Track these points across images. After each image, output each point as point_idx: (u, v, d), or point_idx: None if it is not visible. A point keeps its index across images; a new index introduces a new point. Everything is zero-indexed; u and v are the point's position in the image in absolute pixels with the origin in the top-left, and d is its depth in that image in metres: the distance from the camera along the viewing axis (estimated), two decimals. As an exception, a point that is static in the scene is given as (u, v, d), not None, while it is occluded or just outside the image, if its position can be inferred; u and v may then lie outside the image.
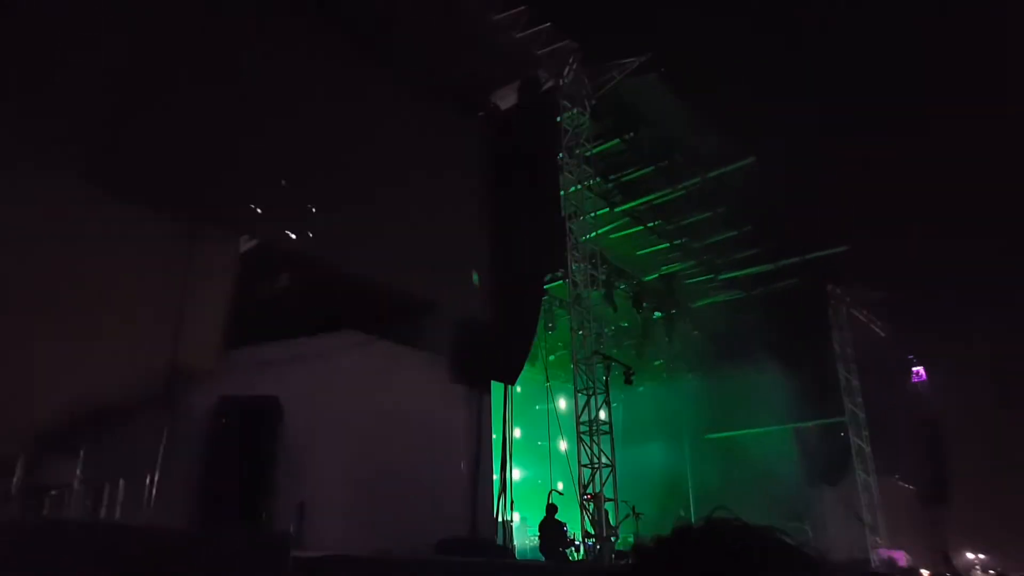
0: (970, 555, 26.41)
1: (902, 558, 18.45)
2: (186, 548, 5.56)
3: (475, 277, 11.99)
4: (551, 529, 11.79)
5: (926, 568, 19.51)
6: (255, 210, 9.43)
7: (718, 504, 0.99)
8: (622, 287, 18.58)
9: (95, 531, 5.68)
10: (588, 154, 13.25)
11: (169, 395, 7.91)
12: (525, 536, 14.63)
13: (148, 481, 7.44)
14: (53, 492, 6.62)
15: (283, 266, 10.13)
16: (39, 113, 7.26)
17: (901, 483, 22.90)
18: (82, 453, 6.96)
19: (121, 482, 7.19)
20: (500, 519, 11.23)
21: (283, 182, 9.62)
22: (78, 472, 6.86)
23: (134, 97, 8.00)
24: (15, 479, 6.48)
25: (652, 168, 15.65)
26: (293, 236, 9.67)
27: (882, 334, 23.42)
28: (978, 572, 23.67)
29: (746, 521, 0.96)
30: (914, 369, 26.13)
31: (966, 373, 25.20)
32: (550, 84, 13.06)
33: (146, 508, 7.32)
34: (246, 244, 9.64)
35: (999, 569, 24.22)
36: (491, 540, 10.73)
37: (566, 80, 13.00)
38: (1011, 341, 25.56)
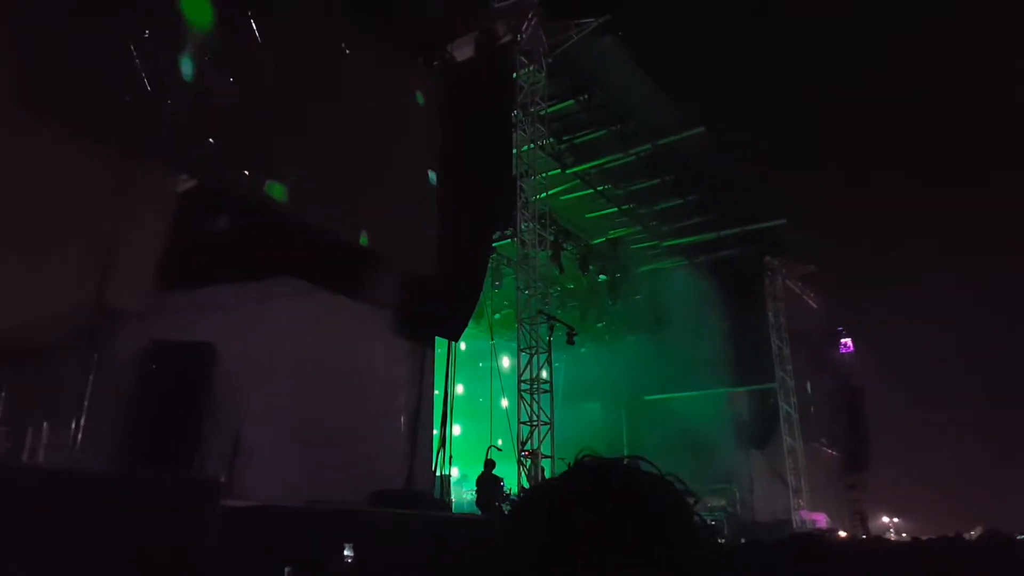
0: (885, 518, 28.09)
1: (822, 519, 19.49)
2: (112, 492, 5.40)
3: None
4: (488, 484, 11.96)
5: (844, 530, 20.66)
6: (196, 148, 9.01)
7: (585, 448, 0.98)
8: (569, 248, 18.69)
9: (17, 474, 5.45)
10: (542, 113, 13.13)
11: (96, 335, 7.58)
12: (463, 491, 14.82)
13: (73, 425, 7.17)
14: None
15: (224, 208, 9.75)
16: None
17: (825, 449, 24.07)
18: (2, 394, 6.64)
19: (45, 425, 6.91)
20: (439, 473, 11.32)
21: (226, 122, 9.20)
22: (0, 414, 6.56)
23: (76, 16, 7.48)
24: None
25: (605, 132, 15.67)
26: (246, 172, 9.28)
27: (814, 306, 24.34)
28: (891, 535, 25.21)
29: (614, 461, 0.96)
30: (842, 340, 27.28)
31: (890, 346, 26.50)
32: (507, 39, 12.81)
33: (71, 452, 7.07)
34: (185, 183, 9.23)
35: (910, 532, 25.84)
36: (427, 493, 10.80)
37: (524, 36, 12.77)
38: (933, 316, 26.94)
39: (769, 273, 20.72)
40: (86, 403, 7.24)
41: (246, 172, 9.45)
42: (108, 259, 7.61)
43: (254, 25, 9.59)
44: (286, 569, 6.50)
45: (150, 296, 8.13)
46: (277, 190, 9.75)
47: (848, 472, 25.16)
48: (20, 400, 6.70)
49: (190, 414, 8.04)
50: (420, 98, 12.29)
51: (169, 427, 7.79)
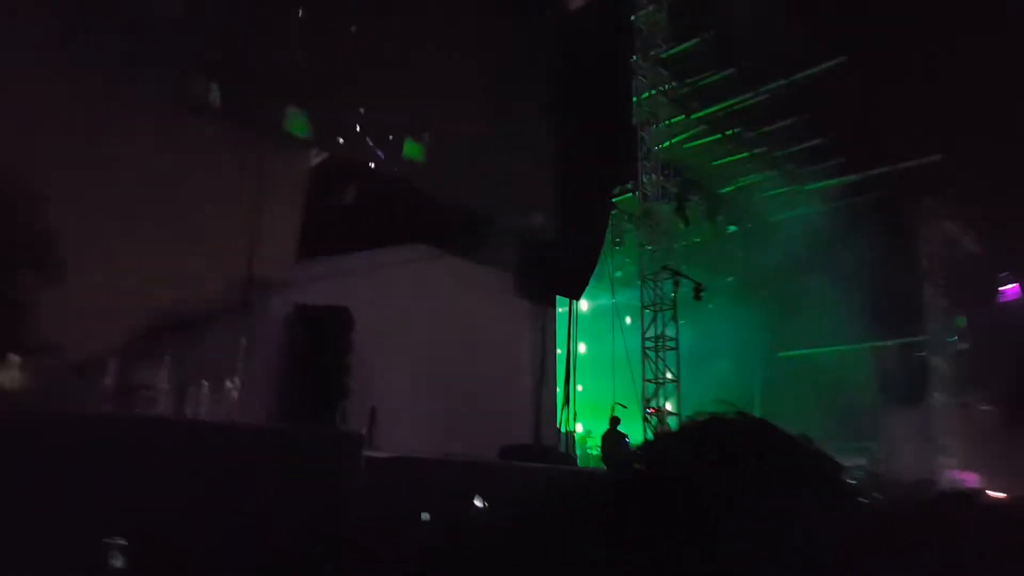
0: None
1: (973, 479, 18.06)
2: (266, 443, 5.93)
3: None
4: (613, 440, 12.01)
5: (998, 491, 19.05)
6: (326, 123, 9.43)
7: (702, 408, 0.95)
8: (695, 200, 17.91)
9: (181, 427, 6.13)
10: (663, 56, 12.45)
11: (246, 304, 8.29)
12: (587, 447, 14.98)
13: (229, 384, 7.93)
14: (143, 392, 7.18)
15: (353, 178, 10.21)
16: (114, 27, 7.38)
17: (983, 406, 22.11)
18: (167, 358, 7.46)
19: (204, 384, 7.70)
20: (564, 429, 11.50)
21: (351, 93, 9.52)
22: (165, 375, 7.38)
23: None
24: (107, 379, 7.02)
25: (732, 71, 14.61)
26: (380, 154, 9.64)
27: (975, 249, 22.02)
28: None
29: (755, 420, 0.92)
30: (1007, 287, 24.60)
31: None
32: (625, -21, 12.24)
33: (227, 409, 7.83)
34: (315, 157, 9.73)
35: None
36: (553, 448, 11.03)
37: (643, -26, 12.15)
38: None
39: (921, 215, 18.91)
40: (240, 365, 7.98)
41: (390, 136, 9.71)
42: (254, 234, 8.26)
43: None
44: (423, 515, 6.84)
45: (294, 265, 8.77)
46: (415, 150, 10.00)
47: (1008, 431, 23.00)
48: (183, 363, 7.52)
49: (331, 373, 8.66)
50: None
51: (313, 385, 8.45)
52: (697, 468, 0.85)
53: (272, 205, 8.49)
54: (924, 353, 18.47)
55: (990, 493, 17.92)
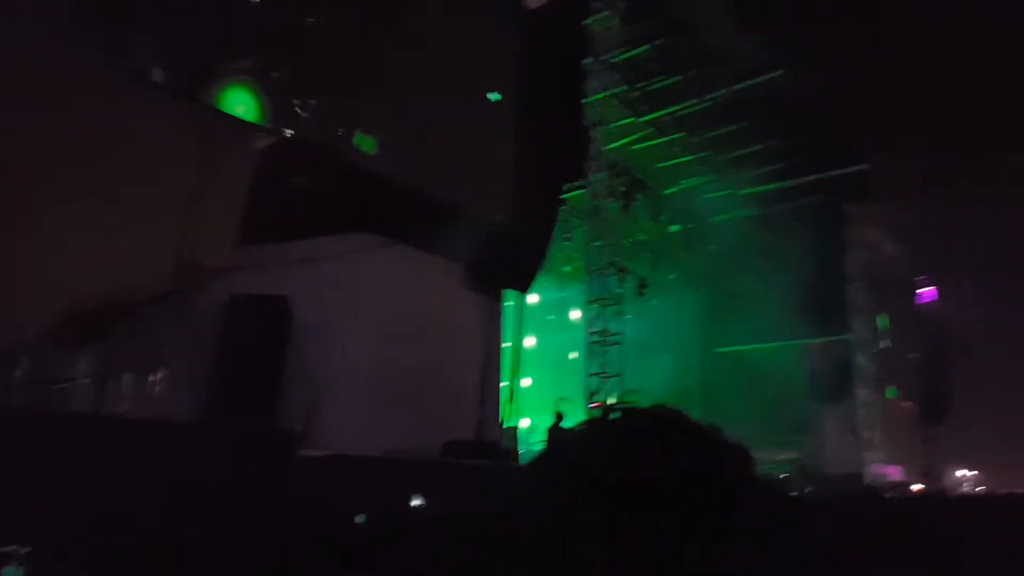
0: (961, 472, 27.14)
1: (896, 472, 18.97)
2: (189, 441, 5.55)
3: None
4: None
5: (918, 483, 20.06)
6: (274, 104, 9.02)
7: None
8: (641, 199, 18.16)
9: (99, 423, 5.69)
10: (615, 60, 12.57)
11: (179, 291, 7.82)
12: (530, 442, 14.96)
13: (154, 377, 7.48)
14: (59, 385, 6.65)
15: (301, 164, 9.82)
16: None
17: (902, 401, 23.26)
18: (88, 348, 6.94)
19: (128, 377, 7.21)
20: (508, 424, 11.42)
21: (317, 76, 9.15)
22: (83, 367, 6.86)
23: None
24: (17, 371, 6.48)
25: (680, 77, 14.93)
26: (329, 143, 9.29)
27: (895, 254, 23.14)
28: (966, 488, 24.45)
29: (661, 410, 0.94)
30: (925, 289, 25.96)
31: (976, 295, 25.02)
32: (581, -18, 12.24)
33: (152, 404, 7.39)
34: (263, 140, 9.29)
35: (988, 485, 24.94)
36: (496, 444, 10.92)
37: (598, -22, 12.16)
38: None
39: (848, 220, 19.73)
40: (167, 356, 7.52)
41: (340, 131, 9.46)
42: (191, 217, 7.79)
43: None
44: (358, 517, 6.63)
45: (231, 252, 8.32)
46: (367, 143, 9.74)
47: (927, 424, 24.30)
48: (105, 353, 7.01)
49: (268, 366, 8.28)
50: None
51: (247, 379, 8.05)
52: (601, 460, 0.86)
53: (212, 189, 8.05)
54: (848, 351, 19.25)
55: (912, 487, 18.87)
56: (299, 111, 9.03)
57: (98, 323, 7.08)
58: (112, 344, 7.16)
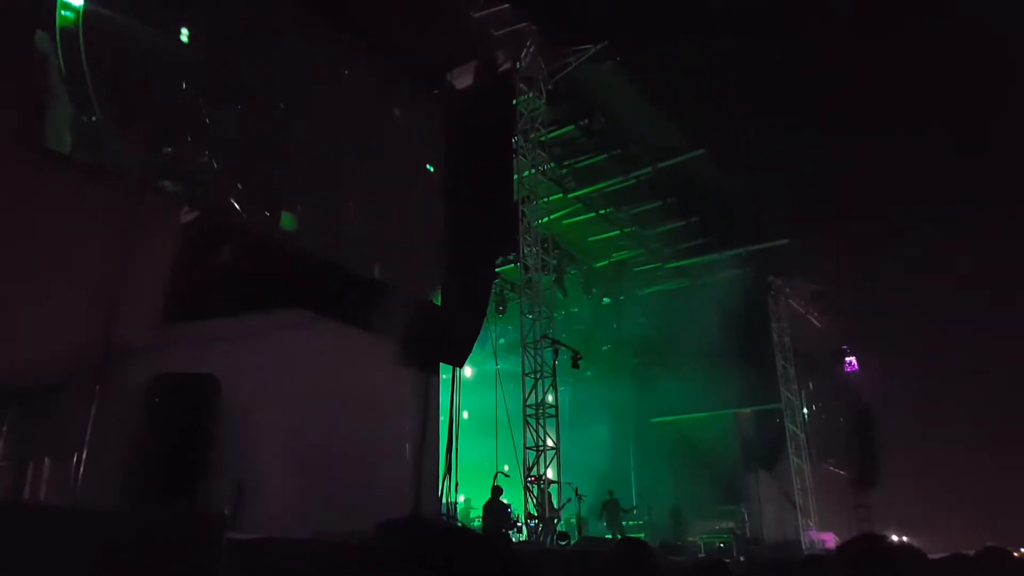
0: (894, 537, 27.72)
1: (831, 539, 19.26)
2: (114, 528, 5.33)
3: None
4: (495, 510, 11.84)
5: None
6: (199, 180, 9.06)
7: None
8: (573, 272, 18.71)
9: (17, 511, 5.39)
10: (543, 139, 13.21)
11: (101, 370, 7.55)
12: (470, 518, 14.66)
13: (76, 460, 7.12)
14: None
15: (226, 239, 9.78)
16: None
17: (833, 468, 23.85)
18: (4, 429, 6.60)
19: (47, 461, 6.86)
20: (445, 500, 11.21)
21: (235, 155, 9.28)
22: (1, 449, 6.50)
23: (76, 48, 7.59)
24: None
25: (605, 156, 15.75)
26: (236, 206, 9.35)
27: (818, 325, 24.25)
28: (900, 553, 24.85)
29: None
30: (847, 359, 27.16)
31: (896, 364, 26.35)
32: (507, 66, 12.92)
33: (73, 488, 7.00)
34: (187, 215, 9.25)
35: (920, 550, 25.46)
36: (434, 521, 10.67)
37: (523, 63, 12.89)
38: (939, 334, 26.80)
39: (772, 293, 20.69)
40: (88, 438, 7.19)
41: (267, 212, 9.55)
42: (113, 292, 7.62)
43: (253, 62, 9.70)
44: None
45: (156, 329, 8.12)
46: (287, 220, 9.83)
47: (856, 491, 24.91)
48: (22, 436, 6.66)
49: (194, 447, 7.97)
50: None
51: (173, 461, 7.71)
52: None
53: (137, 262, 7.90)
54: (779, 420, 19.78)
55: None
56: (224, 188, 9.11)
57: (14, 404, 6.76)
58: (30, 426, 6.82)
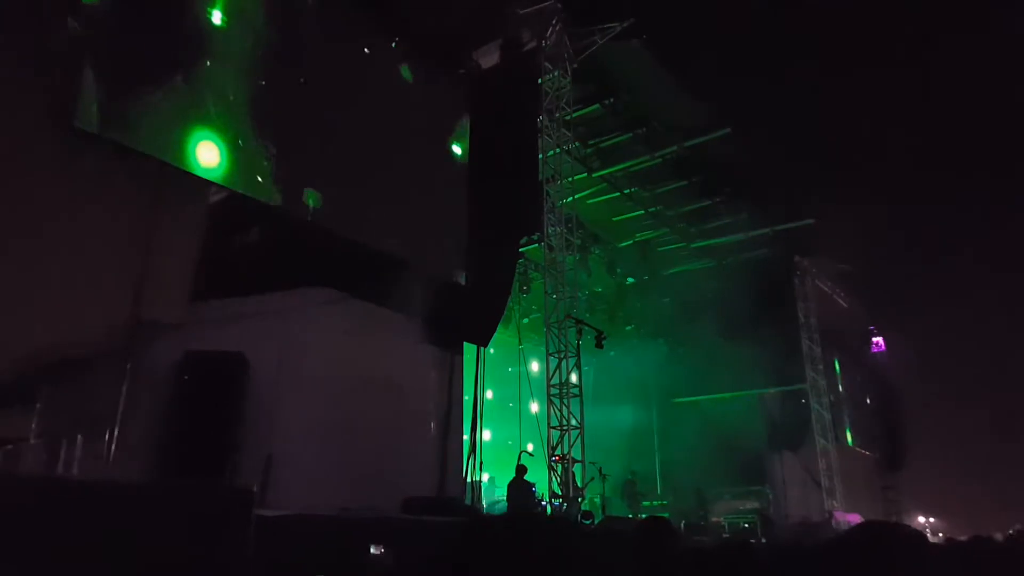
0: (920, 519, 27.49)
1: (857, 520, 19.12)
2: (145, 502, 5.42)
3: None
4: (519, 489, 11.89)
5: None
6: (228, 161, 9.11)
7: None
8: (597, 252, 18.59)
9: (50, 486, 5.51)
10: (568, 118, 13.07)
11: (131, 348, 7.68)
12: (494, 496, 14.77)
13: (108, 437, 7.26)
14: (7, 447, 6.42)
15: (255, 219, 9.85)
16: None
17: (859, 449, 23.64)
18: (38, 407, 6.75)
19: (79, 437, 7.00)
20: (469, 479, 11.29)
21: (258, 134, 9.31)
22: (34, 427, 6.65)
23: (104, 32, 7.64)
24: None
25: (630, 135, 15.56)
26: (279, 192, 9.42)
27: (845, 305, 23.90)
28: (928, 535, 24.69)
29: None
30: (874, 339, 26.78)
31: (924, 344, 25.91)
32: (532, 45, 12.80)
33: (105, 464, 7.15)
34: (216, 195, 9.32)
35: (946, 532, 25.29)
36: (458, 499, 10.78)
37: (548, 42, 12.74)
38: (966, 315, 26.29)
39: (798, 273, 20.40)
40: (120, 415, 7.32)
41: (292, 187, 9.60)
42: (143, 272, 7.72)
43: (280, 38, 9.70)
44: (316, 576, 6.45)
45: (184, 308, 8.24)
46: (312, 197, 9.88)
47: (883, 472, 24.69)
48: (55, 413, 6.81)
49: (223, 423, 8.12)
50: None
51: (202, 437, 7.87)
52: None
53: (166, 241, 8.00)
54: (804, 401, 19.59)
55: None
56: (252, 165, 9.16)
57: (48, 383, 6.89)
58: (63, 404, 6.96)
